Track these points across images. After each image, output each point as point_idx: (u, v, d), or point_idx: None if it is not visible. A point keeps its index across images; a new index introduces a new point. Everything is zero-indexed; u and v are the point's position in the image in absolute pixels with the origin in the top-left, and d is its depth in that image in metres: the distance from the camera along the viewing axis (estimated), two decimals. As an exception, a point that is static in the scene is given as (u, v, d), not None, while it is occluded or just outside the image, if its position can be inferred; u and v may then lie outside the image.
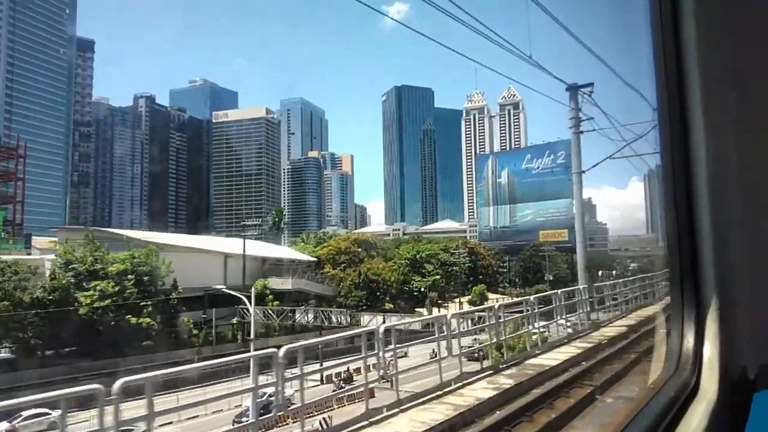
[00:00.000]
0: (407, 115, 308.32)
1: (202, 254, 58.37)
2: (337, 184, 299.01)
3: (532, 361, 11.06)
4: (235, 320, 55.27)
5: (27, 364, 42.13)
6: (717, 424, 1.98)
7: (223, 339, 53.22)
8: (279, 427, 22.75)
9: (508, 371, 10.15)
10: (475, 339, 25.23)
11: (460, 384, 9.05)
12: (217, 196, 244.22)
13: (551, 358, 11.18)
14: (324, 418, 30.95)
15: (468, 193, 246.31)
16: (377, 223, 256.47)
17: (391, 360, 8.71)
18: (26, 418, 30.55)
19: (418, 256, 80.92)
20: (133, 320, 46.58)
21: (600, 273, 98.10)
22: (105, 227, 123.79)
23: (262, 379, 8.22)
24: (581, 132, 16.19)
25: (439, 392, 8.56)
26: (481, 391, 8.74)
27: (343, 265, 74.46)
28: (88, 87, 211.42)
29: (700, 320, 2.21)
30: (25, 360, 42.65)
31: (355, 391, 27.75)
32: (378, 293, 69.83)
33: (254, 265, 63.88)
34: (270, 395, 28.60)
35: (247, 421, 10.64)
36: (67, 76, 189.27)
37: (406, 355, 28.03)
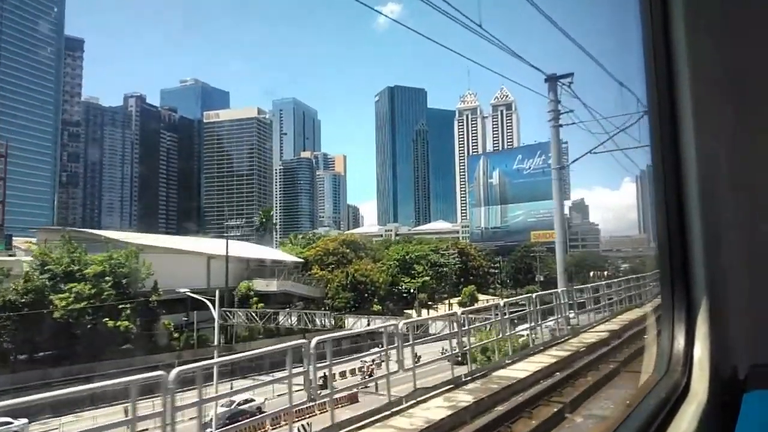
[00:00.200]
0: (400, 115, 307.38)
1: (184, 256, 57.04)
2: (329, 184, 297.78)
3: (500, 372, 10.03)
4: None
5: (-3, 369, 40.71)
6: (707, 425, 1.97)
7: (205, 342, 51.84)
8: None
9: (471, 385, 9.11)
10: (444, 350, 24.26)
11: (413, 402, 8.00)
12: (208, 197, 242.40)
13: (521, 369, 10.15)
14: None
15: (461, 194, 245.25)
16: (370, 223, 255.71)
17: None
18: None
19: (407, 257, 79.87)
20: (111, 323, 45.25)
21: (591, 274, 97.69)
22: (94, 228, 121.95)
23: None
24: (560, 125, 15.25)
25: (386, 413, 7.50)
26: (435, 410, 7.69)
27: (332, 266, 73.23)
28: (77, 86, 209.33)
29: (690, 321, 2.22)
30: (-5, 365, 41.23)
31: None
32: (366, 295, 68.70)
33: (239, 266, 62.59)
34: (239, 404, 27.69)
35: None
36: (55, 75, 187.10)
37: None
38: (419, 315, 63.04)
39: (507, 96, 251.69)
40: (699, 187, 2.11)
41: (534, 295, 12.89)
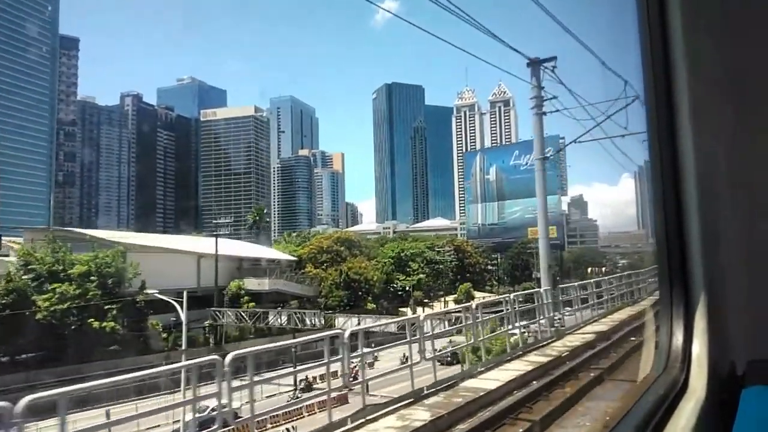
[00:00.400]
0: (398, 113, 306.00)
1: (173, 255, 55.98)
2: (327, 182, 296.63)
3: (469, 382, 9.02)
4: (207, 323, 53.03)
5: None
6: (706, 421, 1.98)
7: (194, 343, 50.89)
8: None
9: (433, 399, 8.11)
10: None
11: (361, 420, 7.00)
12: (205, 196, 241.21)
13: (493, 379, 9.14)
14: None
15: (459, 191, 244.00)
16: (369, 221, 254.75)
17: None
18: None
19: (402, 255, 78.88)
20: (96, 324, 44.26)
21: (589, 270, 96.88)
22: (91, 227, 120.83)
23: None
24: (544, 113, 14.23)
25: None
26: None
27: (325, 264, 72.25)
28: (72, 86, 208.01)
29: (689, 317, 2.22)
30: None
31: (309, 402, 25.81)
32: (360, 293, 67.73)
33: (230, 265, 61.57)
34: (213, 409, 26.67)
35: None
36: (50, 75, 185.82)
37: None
38: (414, 313, 62.11)
39: (505, 92, 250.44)
40: (697, 185, 2.11)
41: (512, 295, 11.88)
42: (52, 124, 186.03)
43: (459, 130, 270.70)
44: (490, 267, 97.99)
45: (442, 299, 78.29)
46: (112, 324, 45.17)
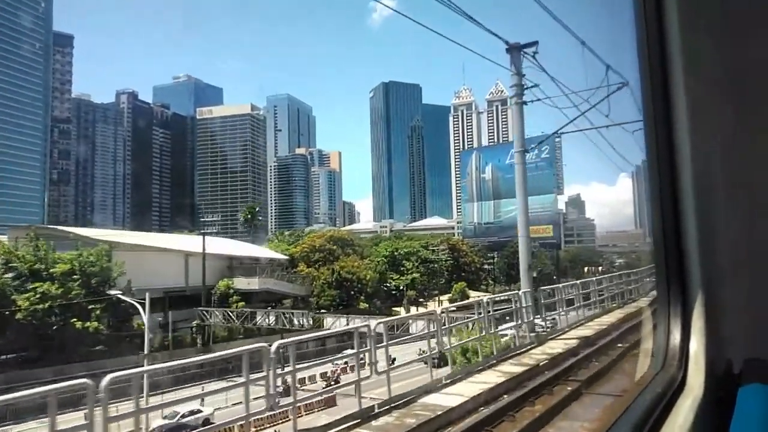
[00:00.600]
0: (395, 111, 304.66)
1: (161, 253, 54.87)
2: (324, 181, 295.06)
3: (428, 398, 8.03)
4: (195, 323, 51.99)
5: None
6: (703, 419, 1.99)
7: (180, 343, 49.90)
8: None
9: (383, 419, 7.13)
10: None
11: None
12: (201, 194, 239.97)
13: (456, 393, 8.16)
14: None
15: (456, 190, 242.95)
16: (366, 220, 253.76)
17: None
18: None
19: (396, 254, 77.87)
20: (79, 324, 43.22)
21: (585, 269, 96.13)
22: (86, 226, 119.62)
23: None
24: (524, 102, 13.24)
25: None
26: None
27: (318, 263, 71.25)
28: (67, 83, 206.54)
29: (686, 316, 2.22)
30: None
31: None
32: (352, 292, 66.74)
33: (220, 264, 60.52)
34: (183, 415, 25.69)
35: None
36: (44, 72, 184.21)
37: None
38: (408, 312, 61.12)
39: (502, 91, 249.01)
40: (695, 184, 2.11)
41: (485, 298, 10.89)
42: (46, 122, 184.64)
43: (456, 129, 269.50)
44: (486, 266, 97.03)
45: (437, 298, 77.38)
46: (96, 324, 44.14)
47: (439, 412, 7.13)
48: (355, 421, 6.89)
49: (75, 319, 43.19)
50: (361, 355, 7.97)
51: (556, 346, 11.70)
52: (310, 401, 25.28)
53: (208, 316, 51.62)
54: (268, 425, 23.17)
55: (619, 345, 11.96)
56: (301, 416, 27.98)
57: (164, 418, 22.41)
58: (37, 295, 41.94)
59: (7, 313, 40.66)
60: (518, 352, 11.17)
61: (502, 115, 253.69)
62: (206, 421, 22.34)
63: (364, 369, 8.09)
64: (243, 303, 55.51)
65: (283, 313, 48.92)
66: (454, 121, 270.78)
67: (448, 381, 8.82)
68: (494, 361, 10.28)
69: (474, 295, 75.14)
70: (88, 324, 43.77)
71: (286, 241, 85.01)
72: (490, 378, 9.06)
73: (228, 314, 50.95)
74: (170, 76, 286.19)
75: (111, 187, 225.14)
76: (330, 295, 64.78)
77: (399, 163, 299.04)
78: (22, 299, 41.57)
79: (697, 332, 2.16)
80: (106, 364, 42.26)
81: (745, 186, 2.06)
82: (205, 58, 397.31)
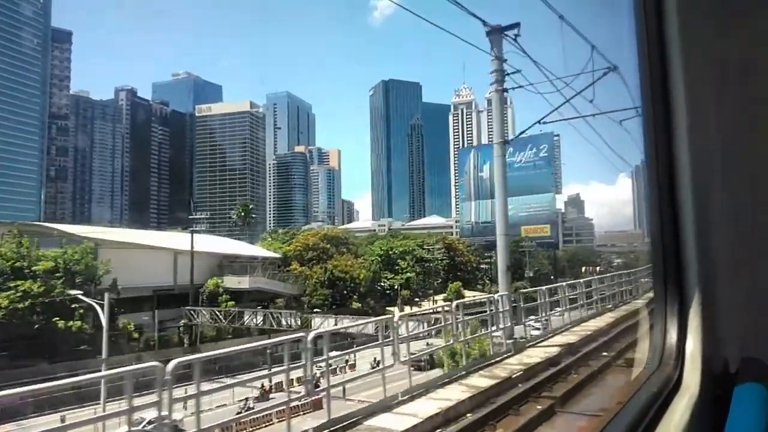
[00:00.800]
0: (395, 109, 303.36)
1: (149, 251, 53.83)
2: (323, 179, 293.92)
3: (377, 420, 6.97)
4: (182, 322, 50.94)
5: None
6: (699, 418, 1.99)
7: (167, 343, 48.86)
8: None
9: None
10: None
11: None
12: (200, 191, 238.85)
13: (410, 414, 7.10)
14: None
15: (455, 189, 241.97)
16: (365, 219, 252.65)
17: None
18: None
19: (390, 253, 76.78)
20: (62, 323, 42.18)
21: (583, 269, 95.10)
22: (83, 223, 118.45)
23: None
24: (506, 90, 12.19)
25: None
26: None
27: (312, 262, 70.19)
28: (65, 79, 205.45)
29: (683, 315, 2.21)
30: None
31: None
32: (345, 291, 65.68)
33: (211, 262, 59.52)
34: (150, 421, 24.55)
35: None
36: (42, 68, 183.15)
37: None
38: (402, 312, 60.03)
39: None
40: (692, 182, 2.10)
41: (454, 303, 9.84)
42: (43, 118, 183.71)
43: (456, 127, 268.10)
44: (483, 265, 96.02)
45: (432, 298, 76.30)
46: (79, 323, 43.09)
47: (382, 439, 6.08)
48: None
49: (57, 318, 42.17)
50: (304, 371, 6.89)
51: (534, 355, 10.63)
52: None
53: (196, 316, 50.57)
54: None
55: (604, 354, 10.91)
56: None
57: (132, 424, 21.27)
58: (18, 294, 40.94)
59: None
60: (492, 361, 10.11)
61: (502, 114, 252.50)
62: (176, 427, 21.27)
63: (307, 385, 7.02)
64: (233, 302, 54.49)
65: (271, 314, 47.84)
66: (454, 120, 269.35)
67: (405, 397, 7.76)
68: (463, 373, 9.22)
69: (469, 295, 74.03)
70: (71, 323, 42.75)
71: (279, 240, 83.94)
72: (453, 393, 8.00)
73: (215, 314, 49.90)
74: (169, 73, 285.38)
75: (109, 184, 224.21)
76: (322, 294, 63.74)
77: (398, 162, 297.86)
78: (2, 297, 40.56)
79: (694, 331, 2.15)
80: (89, 364, 41.40)
81: (743, 185, 2.05)
82: (204, 55, 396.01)
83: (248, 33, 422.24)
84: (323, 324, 41.75)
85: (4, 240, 46.04)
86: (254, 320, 47.86)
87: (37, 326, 41.80)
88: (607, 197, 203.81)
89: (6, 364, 39.97)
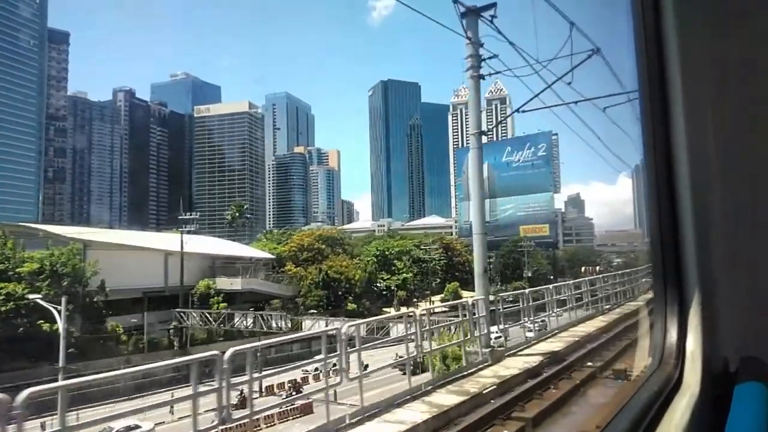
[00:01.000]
0: (394, 110, 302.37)
1: (138, 252, 52.86)
2: (323, 179, 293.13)
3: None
4: (172, 325, 49.99)
5: None
6: (700, 417, 1.99)
7: (157, 346, 47.93)
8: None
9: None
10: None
11: None
12: (198, 192, 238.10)
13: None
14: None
15: (455, 189, 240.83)
16: (365, 219, 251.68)
17: None
18: None
19: (387, 253, 75.75)
20: (47, 326, 41.23)
21: (582, 269, 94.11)
22: (82, 224, 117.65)
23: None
24: (482, 76, 11.22)
25: None
26: None
27: (307, 263, 69.19)
28: (63, 80, 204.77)
29: (683, 314, 2.21)
30: None
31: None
32: (340, 292, 64.68)
33: (203, 263, 58.56)
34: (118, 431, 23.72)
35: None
36: (39, 69, 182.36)
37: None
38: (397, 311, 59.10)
39: (501, 90, 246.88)
40: (692, 182, 2.10)
41: (419, 311, 8.86)
42: (41, 119, 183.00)
43: (455, 127, 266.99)
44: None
45: (429, 299, 75.33)
46: (66, 326, 42.12)
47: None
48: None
49: (42, 321, 41.24)
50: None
51: (512, 366, 9.65)
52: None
53: (186, 318, 49.62)
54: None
55: (590, 364, 9.93)
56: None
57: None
58: (2, 296, 40.04)
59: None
60: (464, 374, 9.13)
61: (501, 114, 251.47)
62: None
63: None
64: (225, 304, 53.53)
65: (261, 316, 46.84)
66: (453, 120, 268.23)
67: (353, 420, 6.79)
68: (429, 388, 8.24)
69: (467, 295, 73.07)
70: (57, 326, 41.81)
71: (274, 240, 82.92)
72: (412, 415, 7.02)
73: (206, 316, 48.94)
74: (168, 74, 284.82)
75: (107, 185, 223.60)
76: (317, 295, 62.75)
77: (398, 162, 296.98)
78: (-15, 300, 39.72)
79: (694, 330, 2.14)
80: (74, 369, 40.47)
81: (742, 185, 2.04)
82: (203, 55, 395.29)
83: (247, 33, 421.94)
84: (314, 326, 40.74)
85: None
86: (245, 322, 46.90)
87: (21, 329, 40.89)
88: (608, 197, 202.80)
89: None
